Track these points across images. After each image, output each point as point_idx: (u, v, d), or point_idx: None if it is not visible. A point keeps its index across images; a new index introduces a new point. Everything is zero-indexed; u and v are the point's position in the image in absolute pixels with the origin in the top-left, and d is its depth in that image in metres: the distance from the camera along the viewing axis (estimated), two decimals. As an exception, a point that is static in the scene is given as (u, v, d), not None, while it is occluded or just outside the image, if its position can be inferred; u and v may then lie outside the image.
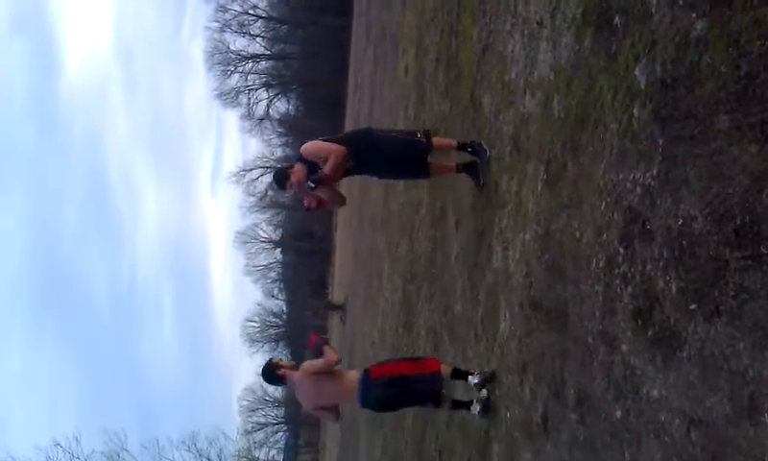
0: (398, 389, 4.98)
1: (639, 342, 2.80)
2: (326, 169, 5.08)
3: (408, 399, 5.19)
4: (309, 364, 5.10)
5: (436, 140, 5.52)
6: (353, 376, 5.13)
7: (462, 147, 5.53)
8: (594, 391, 3.21)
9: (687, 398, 2.44)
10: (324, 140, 5.34)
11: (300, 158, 5.27)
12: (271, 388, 66.98)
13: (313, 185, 5.11)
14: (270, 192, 64.13)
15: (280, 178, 5.41)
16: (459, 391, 5.44)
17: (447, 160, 5.81)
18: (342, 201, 5.98)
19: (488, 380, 4.86)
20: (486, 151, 5.28)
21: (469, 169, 5.52)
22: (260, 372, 5.43)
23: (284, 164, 5.97)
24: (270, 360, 5.45)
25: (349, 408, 18.68)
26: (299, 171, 5.21)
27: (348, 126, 31.32)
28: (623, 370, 2.93)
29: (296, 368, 5.20)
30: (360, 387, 5.00)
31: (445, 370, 5.04)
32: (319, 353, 5.10)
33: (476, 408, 4.92)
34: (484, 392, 4.86)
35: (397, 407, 5.51)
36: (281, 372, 5.22)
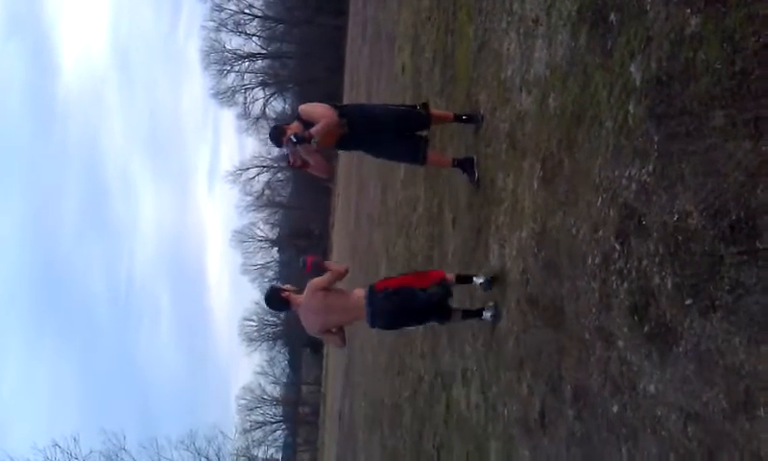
0: (404, 298, 4.87)
1: (636, 338, 2.81)
2: (314, 130, 5.13)
3: (414, 313, 5.03)
4: (318, 279, 5.00)
5: (434, 111, 5.64)
6: (359, 292, 5.01)
7: (458, 118, 5.72)
8: (591, 387, 3.22)
9: (684, 393, 2.46)
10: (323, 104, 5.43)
11: (298, 117, 5.35)
12: (269, 387, 67.09)
13: (294, 140, 5.17)
14: (266, 191, 64.17)
15: (277, 133, 5.46)
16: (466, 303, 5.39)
17: (444, 155, 5.87)
18: (327, 170, 6.00)
19: (492, 282, 4.87)
20: (480, 117, 5.49)
21: (465, 165, 5.59)
22: (264, 298, 5.38)
23: (282, 122, 6.04)
24: (272, 286, 5.39)
25: (348, 406, 18.65)
26: (294, 128, 5.29)
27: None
28: (619, 365, 2.95)
29: (300, 292, 5.08)
30: (367, 302, 4.89)
31: (450, 276, 5.05)
32: (320, 273, 5.03)
33: (488, 314, 4.89)
34: (488, 314, 4.85)
35: (404, 321, 5.24)
36: (285, 294, 5.11)
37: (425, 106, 5.63)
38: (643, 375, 2.75)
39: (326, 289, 4.98)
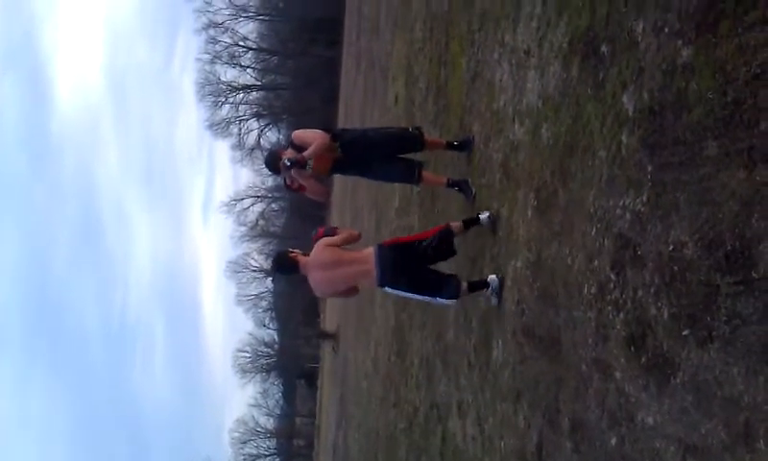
0: (408, 246, 4.92)
1: (633, 369, 2.78)
2: (307, 153, 5.24)
3: (418, 261, 4.94)
4: (328, 238, 4.99)
5: (427, 137, 5.72)
6: (368, 250, 4.96)
7: (450, 145, 5.85)
8: (589, 419, 3.18)
9: (682, 424, 2.43)
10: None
11: (291, 143, 5.45)
12: (263, 420, 66.41)
13: (288, 164, 5.27)
14: (261, 221, 64.15)
15: (272, 159, 5.59)
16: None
17: (439, 175, 5.95)
18: (322, 193, 6.12)
19: (496, 219, 4.90)
20: (471, 138, 5.64)
21: (461, 184, 5.67)
22: (271, 263, 5.28)
23: (275, 147, 6.15)
24: (279, 250, 5.30)
25: (343, 438, 18.45)
26: (288, 154, 5.39)
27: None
28: (617, 397, 2.91)
29: (307, 255, 5.01)
30: (376, 258, 4.83)
31: (456, 224, 5.06)
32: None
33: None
34: (494, 279, 4.71)
35: (410, 275, 4.94)
36: (293, 255, 5.05)
37: (418, 128, 5.72)
38: (641, 406, 2.72)
39: (336, 246, 4.97)
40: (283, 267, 5.17)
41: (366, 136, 5.70)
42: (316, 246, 4.96)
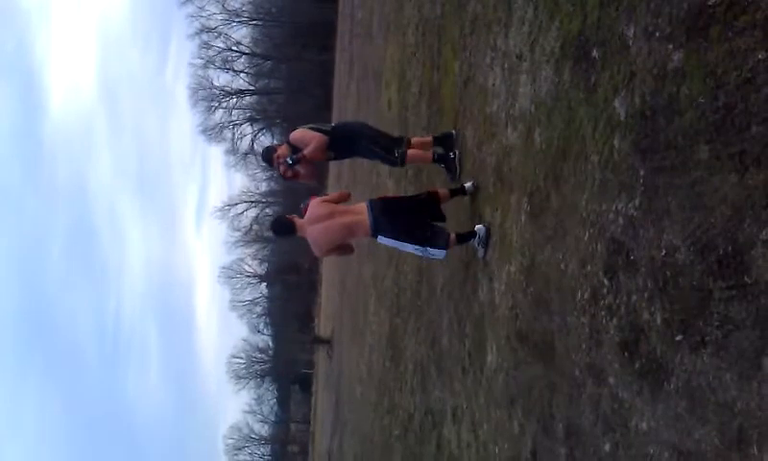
0: (398, 199, 5.48)
1: (627, 374, 2.77)
2: (306, 152, 5.79)
3: (408, 212, 5.29)
4: (322, 196, 5.43)
5: (411, 154, 5.96)
6: (361, 204, 5.33)
7: (436, 140, 6.19)
8: (583, 424, 3.17)
9: (676, 430, 2.42)
10: (310, 128, 5.96)
11: (288, 143, 5.95)
12: (257, 426, 66.19)
13: (291, 162, 5.82)
14: (255, 226, 64.03)
15: (268, 154, 6.16)
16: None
17: (425, 152, 6.13)
18: (314, 176, 6.53)
19: (477, 187, 5.25)
20: (455, 131, 6.01)
21: (445, 160, 5.94)
22: (270, 226, 5.84)
23: (271, 144, 6.66)
24: (276, 215, 5.74)
25: (337, 445, 18.37)
26: (282, 150, 5.94)
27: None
28: (611, 402, 2.90)
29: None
30: (368, 210, 5.17)
31: (443, 191, 5.47)
32: None
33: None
34: (481, 228, 4.97)
35: (402, 223, 5.25)
36: (290, 217, 5.41)
37: (403, 156, 5.89)
38: (635, 412, 2.71)
39: (330, 202, 5.38)
40: (281, 229, 5.56)
41: (355, 144, 6.08)
42: (310, 204, 5.32)
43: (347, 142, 6.01)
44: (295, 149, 5.83)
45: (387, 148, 5.94)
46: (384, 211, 5.20)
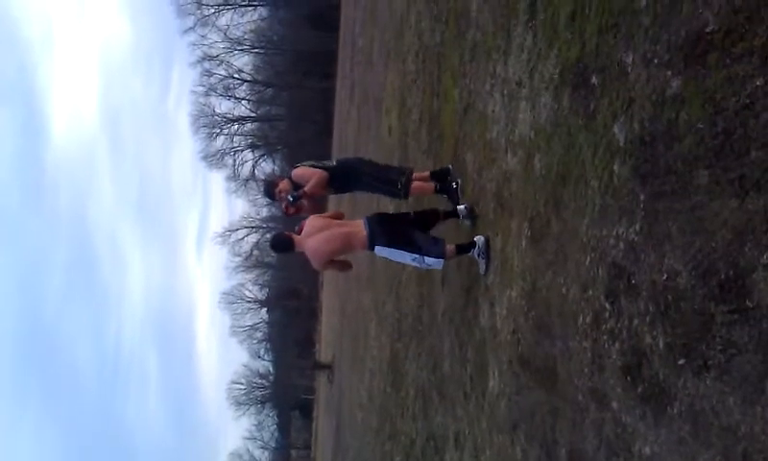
0: (393, 215, 5.56)
1: (629, 398, 2.77)
2: (307, 188, 5.91)
3: (402, 226, 5.36)
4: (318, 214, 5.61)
5: (414, 186, 6.05)
6: (358, 221, 5.44)
7: (433, 176, 6.22)
8: (586, 450, 3.16)
9: (680, 454, 2.41)
10: (312, 166, 6.09)
11: (289, 178, 6.08)
12: (257, 452, 65.54)
13: (292, 199, 5.93)
14: (255, 252, 64.02)
15: (269, 187, 6.32)
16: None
17: (427, 183, 6.19)
18: (317, 210, 6.61)
19: (473, 212, 5.40)
20: (450, 168, 6.10)
21: (447, 191, 5.98)
22: (269, 243, 5.93)
23: (272, 178, 6.76)
24: (274, 233, 5.86)
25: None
26: (284, 185, 6.07)
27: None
28: (614, 427, 2.89)
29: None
30: (365, 222, 5.29)
31: (442, 210, 5.63)
32: None
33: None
34: (480, 238, 5.02)
35: (397, 236, 5.29)
36: (289, 234, 5.54)
37: (407, 187, 5.97)
38: (638, 436, 2.70)
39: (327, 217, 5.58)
40: (280, 245, 5.61)
41: (353, 168, 6.23)
42: (307, 221, 5.45)
43: (348, 178, 6.13)
44: (296, 185, 5.96)
45: (389, 181, 6.03)
46: (380, 223, 5.33)
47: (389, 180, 6.05)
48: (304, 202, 6.00)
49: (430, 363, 6.88)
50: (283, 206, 6.07)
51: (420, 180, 6.13)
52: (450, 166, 6.13)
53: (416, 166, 7.57)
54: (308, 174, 5.95)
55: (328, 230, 5.33)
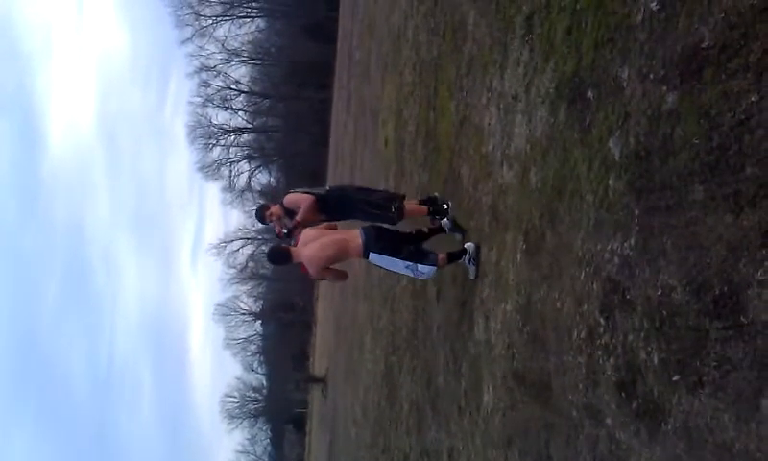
0: (386, 228, 5.61)
1: (624, 415, 2.75)
2: (299, 217, 6.02)
3: (394, 239, 5.50)
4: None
5: (407, 209, 6.18)
6: (354, 230, 5.52)
7: (426, 202, 6.30)
8: (580, 466, 3.13)
9: (675, 472, 2.39)
10: (303, 192, 6.22)
11: (281, 204, 6.23)
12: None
13: (286, 233, 6.08)
14: (250, 264, 63.86)
15: (261, 212, 6.39)
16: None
17: (419, 206, 6.27)
18: None
19: (458, 226, 5.58)
20: (443, 199, 6.14)
21: (440, 213, 6.05)
22: (266, 256, 5.89)
23: (264, 203, 6.77)
24: (271, 246, 5.88)
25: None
26: (276, 210, 6.22)
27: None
28: (609, 443, 2.87)
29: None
30: (361, 231, 5.40)
31: (425, 228, 5.76)
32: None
33: (470, 248, 5.19)
34: (471, 245, 5.16)
35: (391, 246, 5.44)
36: (285, 246, 5.64)
37: (400, 210, 6.08)
38: (633, 453, 2.68)
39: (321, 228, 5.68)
40: (278, 257, 5.69)
41: (350, 207, 6.27)
42: (302, 233, 5.60)
43: (341, 205, 6.23)
44: (288, 211, 6.12)
45: (382, 206, 6.12)
46: (377, 233, 5.46)
47: (382, 205, 6.15)
48: (297, 233, 6.06)
49: (425, 377, 6.84)
50: (276, 230, 6.25)
51: (410, 205, 6.27)
52: (437, 194, 6.31)
53: (410, 177, 7.57)
54: (299, 201, 6.09)
55: (323, 237, 5.43)
